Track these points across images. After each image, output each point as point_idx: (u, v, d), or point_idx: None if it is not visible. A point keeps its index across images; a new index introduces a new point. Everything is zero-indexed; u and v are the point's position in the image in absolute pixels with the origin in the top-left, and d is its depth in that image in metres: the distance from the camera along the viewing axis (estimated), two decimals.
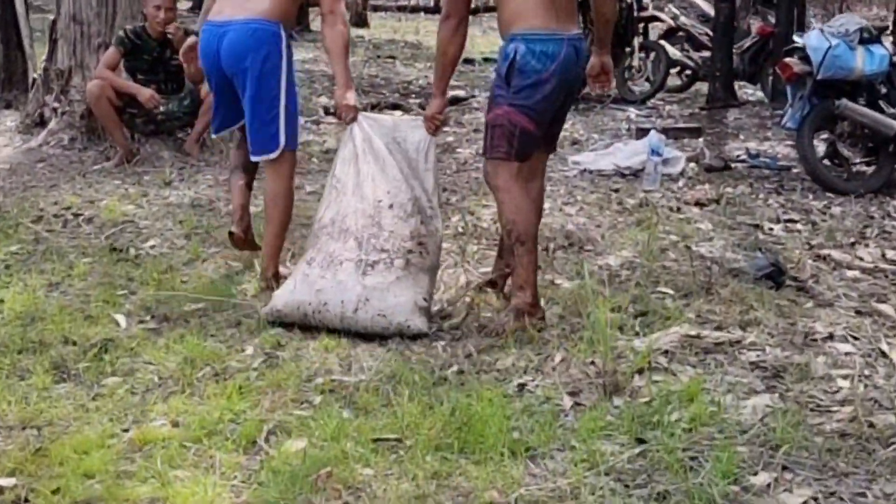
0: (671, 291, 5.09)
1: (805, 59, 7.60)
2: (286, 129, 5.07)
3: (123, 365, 4.28)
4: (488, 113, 4.59)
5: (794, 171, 8.27)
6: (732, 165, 8.33)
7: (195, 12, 21.02)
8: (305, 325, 4.60)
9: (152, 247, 5.86)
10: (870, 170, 7.83)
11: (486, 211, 6.56)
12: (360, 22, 21.30)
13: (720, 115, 10.97)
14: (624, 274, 5.40)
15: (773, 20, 12.45)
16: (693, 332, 4.39)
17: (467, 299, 4.89)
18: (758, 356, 4.27)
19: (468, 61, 15.94)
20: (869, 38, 7.57)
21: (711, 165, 8.16)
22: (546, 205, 6.45)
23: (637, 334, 4.51)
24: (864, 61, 7.50)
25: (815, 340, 4.46)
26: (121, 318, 4.78)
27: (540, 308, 4.66)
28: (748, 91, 12.94)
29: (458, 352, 4.39)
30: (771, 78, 11.91)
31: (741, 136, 9.85)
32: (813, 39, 7.57)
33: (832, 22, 7.86)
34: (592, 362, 4.19)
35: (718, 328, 4.55)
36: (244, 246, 5.49)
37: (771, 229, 6.39)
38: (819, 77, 7.50)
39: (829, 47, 7.44)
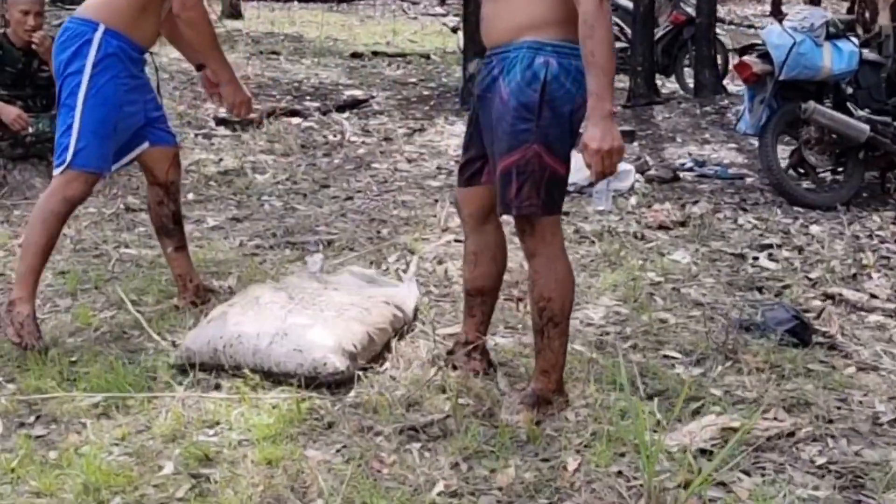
0: (679, 356, 4.20)
1: (765, 57, 6.80)
2: (76, 144, 4.23)
3: (2, 498, 3.23)
4: (506, 155, 3.49)
5: (748, 180, 7.48)
6: (680, 175, 7.49)
7: (56, 5, 19.59)
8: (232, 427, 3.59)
9: None
10: (837, 179, 7.08)
11: (428, 247, 5.59)
12: (235, 13, 20.03)
13: (647, 114, 10.14)
14: (612, 331, 4.49)
15: (686, 8, 11.71)
16: (735, 423, 3.49)
17: (436, 379, 3.92)
18: (821, 452, 3.40)
19: (356, 55, 14.95)
20: (836, 33, 6.79)
21: (660, 177, 7.31)
22: None
23: (659, 423, 3.60)
24: (831, 59, 6.72)
25: (882, 425, 3.61)
26: None
27: (563, 394, 3.74)
28: (657, 82, 12.16)
29: (440, 459, 3.43)
30: (692, 70, 11.18)
31: (678, 139, 9.03)
32: (774, 36, 6.77)
33: (793, 15, 7.04)
34: (620, 472, 3.27)
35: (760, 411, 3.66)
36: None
37: (756, 259, 5.54)
38: (782, 77, 6.71)
39: (794, 44, 6.65)
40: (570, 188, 6.85)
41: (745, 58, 6.92)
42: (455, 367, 3.97)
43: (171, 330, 4.46)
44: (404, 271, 5.19)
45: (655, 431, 3.52)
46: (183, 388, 3.91)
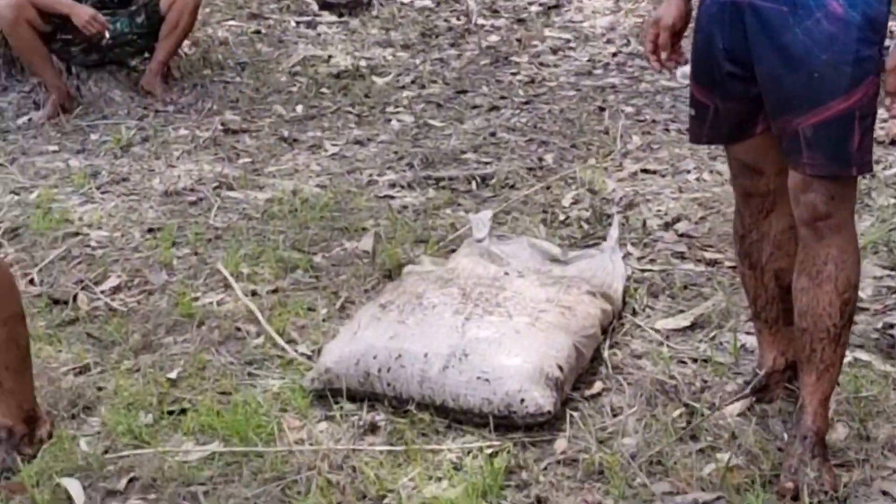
0: None
1: None
2: None
3: None
4: (846, 94, 2.33)
5: None
6: None
7: None
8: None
9: (113, 292, 3.69)
10: None
11: (610, 182, 4.38)
12: None
13: None
14: None
15: None
16: None
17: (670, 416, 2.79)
18: None
19: None
20: None
21: None
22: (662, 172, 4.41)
23: None
24: None
25: None
26: (74, 488, 2.68)
27: None
28: None
29: None
30: None
31: None
32: None
33: None
34: None
35: None
36: None
37: None
38: None
39: None
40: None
41: None
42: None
43: (301, 329, 3.36)
44: (587, 221, 4.01)
45: None
46: (327, 436, 2.82)
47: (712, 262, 3.65)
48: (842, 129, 2.34)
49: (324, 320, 3.40)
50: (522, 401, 2.75)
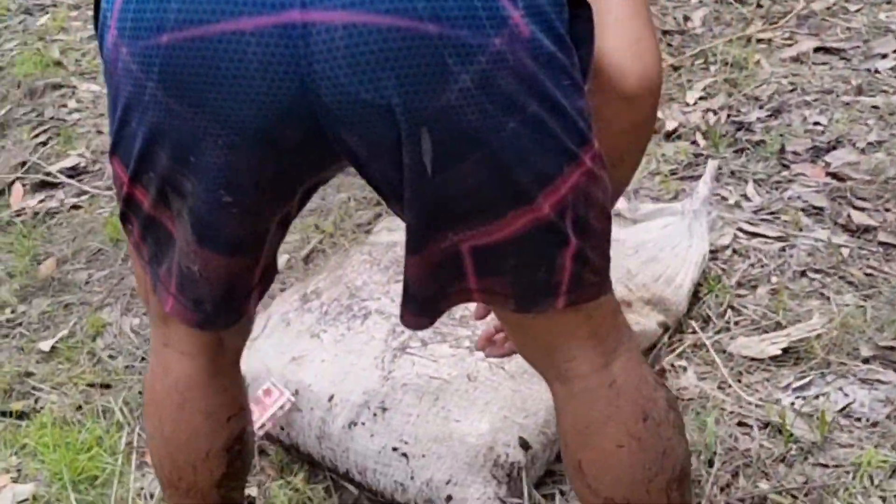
0: None
1: None
2: None
3: None
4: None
5: None
6: None
7: None
8: None
9: None
10: None
11: (768, 62, 3.17)
12: None
13: None
14: None
15: None
16: None
17: None
18: None
19: None
20: None
21: None
22: None
23: None
24: None
25: None
26: None
27: None
28: None
29: None
30: None
31: None
32: None
33: None
34: None
35: None
36: None
37: None
38: None
39: None
40: None
41: None
42: None
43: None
44: (705, 136, 2.84)
45: None
46: None
47: (860, 230, 2.46)
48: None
49: None
50: (449, 499, 1.78)
